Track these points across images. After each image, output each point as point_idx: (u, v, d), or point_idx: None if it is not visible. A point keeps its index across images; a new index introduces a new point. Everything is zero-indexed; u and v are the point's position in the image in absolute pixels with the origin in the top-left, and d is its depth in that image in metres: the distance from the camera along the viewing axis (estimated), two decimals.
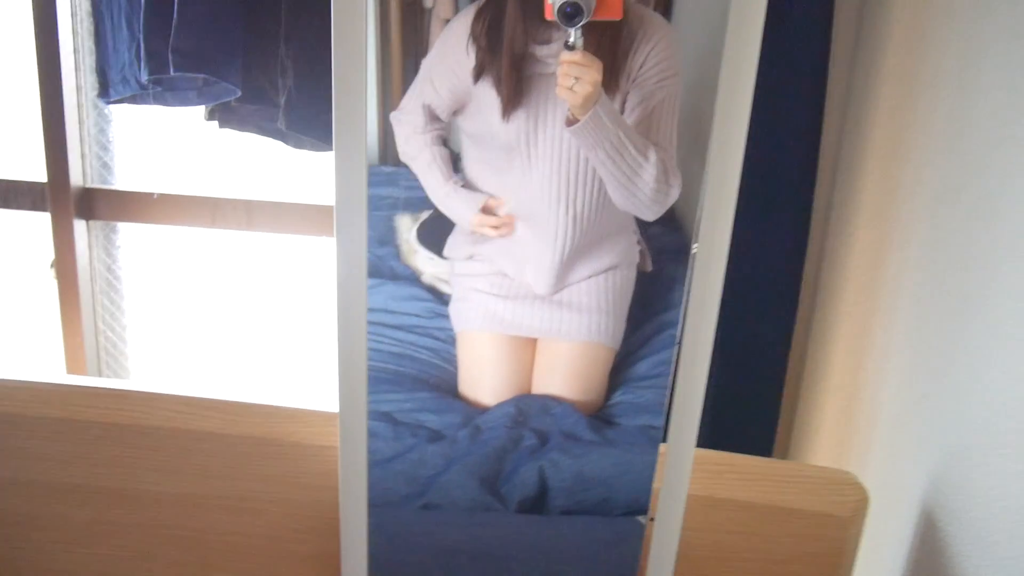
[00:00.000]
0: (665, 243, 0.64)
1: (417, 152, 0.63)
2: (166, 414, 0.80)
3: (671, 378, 0.66)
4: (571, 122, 0.58)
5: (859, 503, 0.79)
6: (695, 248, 0.61)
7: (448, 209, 0.65)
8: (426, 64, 0.60)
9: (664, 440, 0.68)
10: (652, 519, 0.71)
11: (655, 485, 0.70)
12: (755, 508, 0.78)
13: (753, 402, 1.24)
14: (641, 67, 0.57)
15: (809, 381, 1.28)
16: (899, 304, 0.94)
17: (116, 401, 0.81)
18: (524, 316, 0.68)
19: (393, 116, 0.62)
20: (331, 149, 1.20)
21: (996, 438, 0.68)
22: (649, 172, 0.60)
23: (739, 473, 0.80)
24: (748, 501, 0.79)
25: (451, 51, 0.59)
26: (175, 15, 1.04)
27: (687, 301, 0.63)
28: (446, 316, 0.69)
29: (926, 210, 0.89)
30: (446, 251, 0.67)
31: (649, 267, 0.65)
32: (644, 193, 0.60)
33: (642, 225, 0.64)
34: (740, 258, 1.17)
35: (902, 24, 1.02)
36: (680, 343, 0.64)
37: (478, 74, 0.59)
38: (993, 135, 0.74)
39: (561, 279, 0.66)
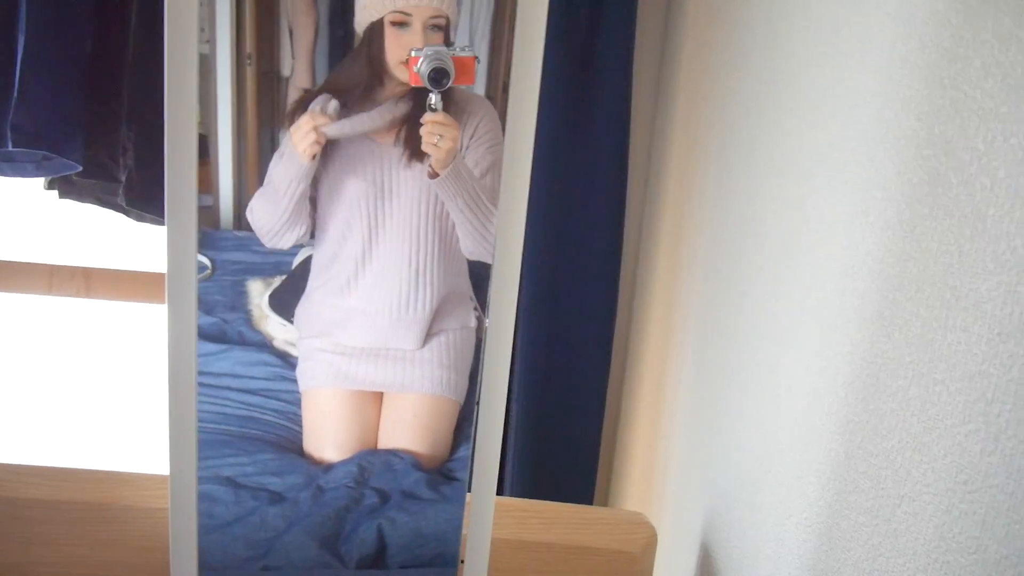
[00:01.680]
0: None
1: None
2: None
3: (472, 433, 0.73)
4: (433, 175, 0.67)
5: (648, 539, 0.90)
6: (487, 320, 0.70)
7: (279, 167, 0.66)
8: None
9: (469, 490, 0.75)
10: (462, 561, 0.78)
11: (464, 532, 0.77)
12: (557, 548, 0.88)
13: (574, 457, 1.36)
14: (473, 136, 0.66)
15: (622, 439, 1.42)
16: (683, 367, 1.09)
17: None
18: (369, 372, 0.72)
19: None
20: None
21: (748, 479, 0.81)
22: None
23: (543, 518, 0.89)
24: (551, 542, 0.88)
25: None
26: (15, 92, 1.06)
27: (482, 368, 0.72)
28: (293, 380, 0.71)
29: (698, 289, 1.04)
30: (296, 322, 0.70)
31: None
32: (494, 237, 0.68)
33: (479, 297, 0.71)
34: (558, 332, 1.30)
35: (683, 114, 1.20)
36: (479, 403, 0.73)
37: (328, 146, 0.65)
38: (745, 208, 0.90)
39: (426, 331, 0.71)
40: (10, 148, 1.08)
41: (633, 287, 1.39)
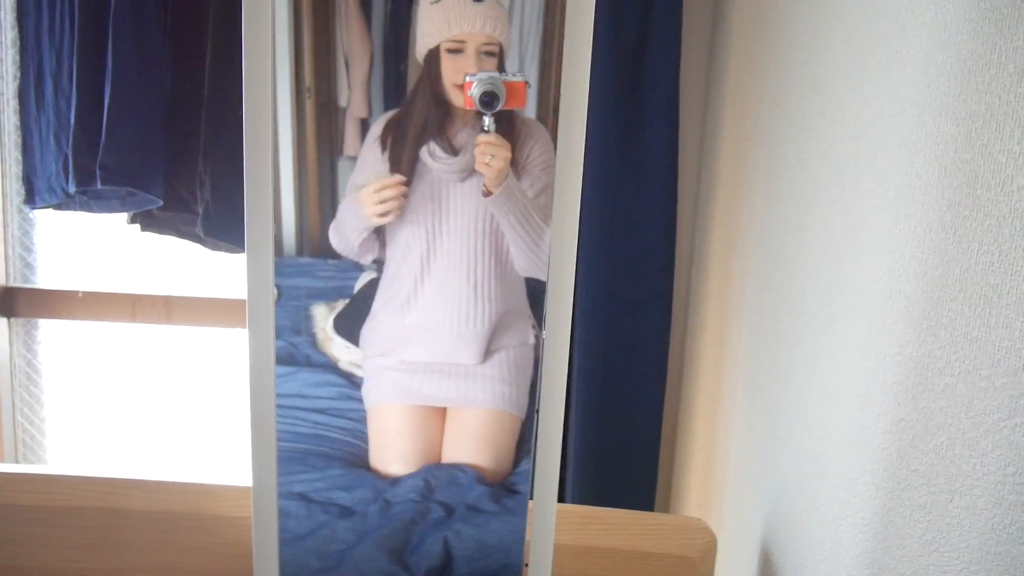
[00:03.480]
0: None
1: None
2: (90, 495, 0.87)
3: (533, 444, 0.76)
4: (487, 194, 0.70)
5: (708, 545, 0.91)
6: (544, 333, 0.74)
7: (346, 219, 0.70)
8: (352, 175, 0.69)
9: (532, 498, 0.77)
10: (527, 565, 0.81)
11: (527, 537, 0.79)
12: (618, 554, 0.90)
13: (635, 467, 1.37)
14: (527, 158, 0.70)
15: (680, 445, 1.42)
16: (738, 374, 1.10)
17: (43, 485, 0.87)
18: (433, 387, 0.75)
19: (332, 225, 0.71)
20: (243, 252, 1.31)
21: (803, 481, 0.82)
22: (550, 236, 0.71)
23: (603, 524, 0.91)
24: (611, 548, 0.90)
25: (367, 154, 0.69)
26: (103, 135, 1.15)
27: (540, 379, 0.74)
28: (358, 399, 0.74)
29: (750, 297, 1.05)
30: (361, 343, 0.73)
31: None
32: (546, 254, 0.71)
33: (536, 314, 0.74)
34: (614, 342, 1.32)
35: (731, 126, 1.22)
36: (538, 412, 0.76)
37: (390, 168, 0.69)
38: (795, 217, 0.91)
39: (485, 347, 0.74)
40: (99, 186, 1.16)
41: (687, 296, 1.41)
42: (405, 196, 0.70)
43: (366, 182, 0.70)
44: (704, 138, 1.36)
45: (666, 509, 1.46)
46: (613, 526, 0.91)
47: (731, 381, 1.13)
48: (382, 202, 0.70)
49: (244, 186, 0.67)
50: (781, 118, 0.96)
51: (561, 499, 1.31)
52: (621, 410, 1.34)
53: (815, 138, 0.84)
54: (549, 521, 0.79)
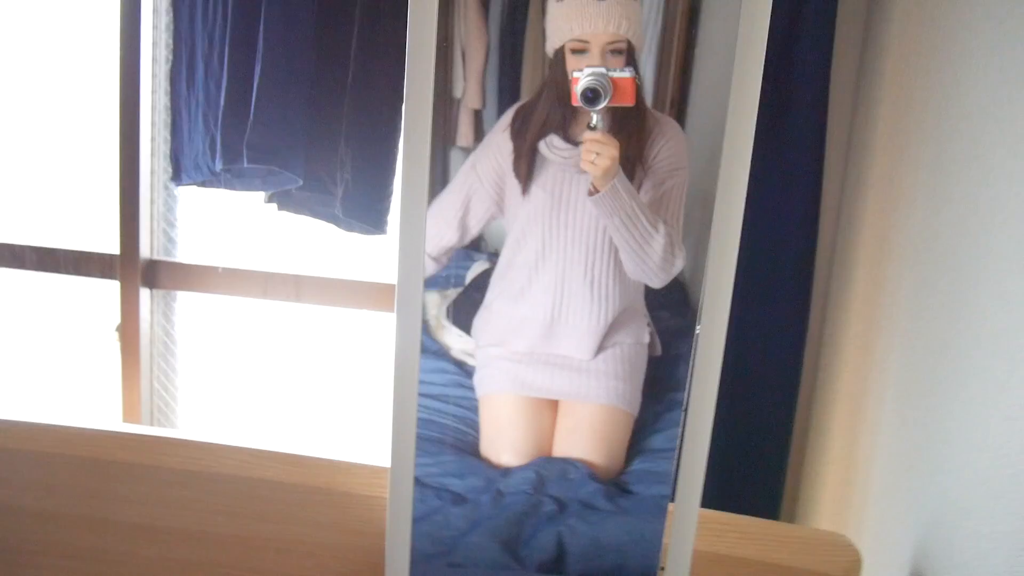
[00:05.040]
0: (672, 328, 0.72)
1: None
2: (235, 463, 0.90)
3: (678, 442, 0.73)
4: (592, 192, 0.68)
5: (852, 563, 0.86)
6: (698, 329, 0.71)
7: None
8: (472, 156, 0.70)
9: (672, 500, 0.75)
10: (662, 568, 0.78)
11: (665, 540, 0.76)
12: (754, 565, 0.86)
13: (761, 472, 1.32)
14: (655, 158, 0.67)
15: (812, 453, 1.35)
16: (887, 383, 1.03)
17: (187, 450, 0.91)
18: (546, 380, 0.74)
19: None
20: (378, 233, 1.33)
21: (971, 505, 0.76)
22: (658, 242, 0.69)
23: (741, 532, 0.87)
24: (748, 558, 0.86)
25: (494, 139, 0.69)
26: (251, 114, 1.18)
27: (692, 374, 0.72)
28: (470, 387, 0.74)
29: (906, 302, 0.99)
30: (473, 332, 0.73)
31: (659, 351, 0.73)
32: (653, 261, 0.69)
33: (651, 310, 0.72)
34: (746, 341, 1.27)
35: (887, 122, 1.15)
36: (686, 410, 0.73)
37: (514, 157, 0.69)
38: (966, 217, 0.85)
39: (599, 343, 0.72)
40: (245, 165, 1.20)
41: (826, 298, 1.34)
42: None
43: (486, 168, 0.69)
44: (852, 134, 1.29)
45: (791, 519, 1.39)
46: (750, 535, 0.87)
47: (878, 390, 1.06)
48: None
49: (401, 177, 0.68)
50: (954, 110, 0.89)
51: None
52: (751, 412, 1.28)
53: (998, 133, 0.77)
54: (690, 525, 0.76)
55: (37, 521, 0.92)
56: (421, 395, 0.72)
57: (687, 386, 0.72)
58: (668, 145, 0.67)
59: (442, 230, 0.71)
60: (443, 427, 0.74)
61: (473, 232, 0.72)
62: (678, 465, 0.74)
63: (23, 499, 0.92)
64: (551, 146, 0.68)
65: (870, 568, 1.01)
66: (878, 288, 1.11)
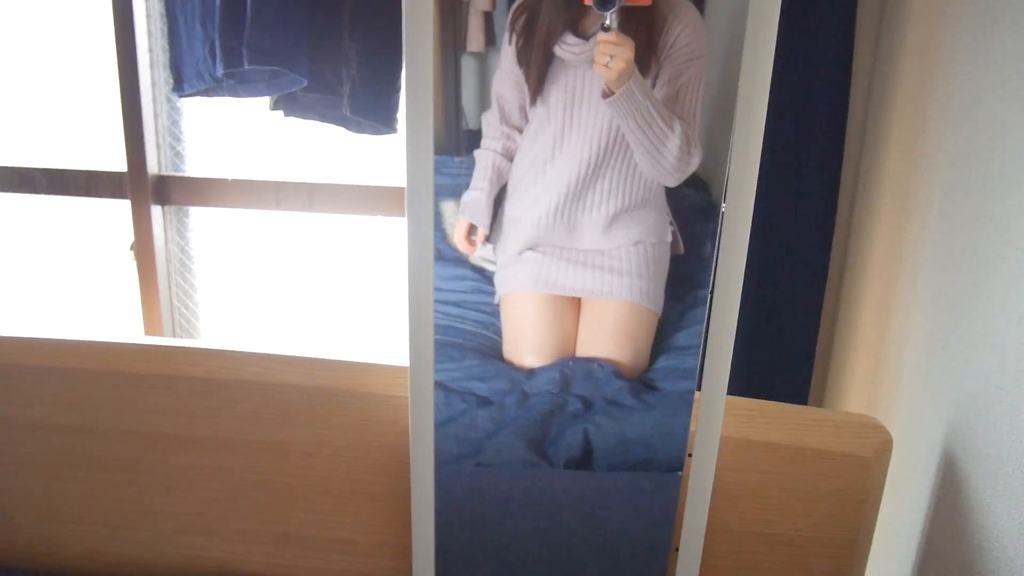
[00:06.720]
0: (695, 228, 0.70)
1: (487, 145, 0.69)
2: (257, 369, 0.89)
3: (704, 327, 0.71)
4: (607, 94, 0.65)
5: (883, 445, 0.85)
6: (724, 207, 0.67)
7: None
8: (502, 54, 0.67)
9: (698, 389, 0.74)
10: (690, 455, 0.78)
11: (692, 427, 0.76)
12: (782, 449, 0.85)
13: (789, 357, 1.30)
14: (671, 47, 0.64)
15: (840, 337, 1.33)
16: (920, 265, 1.00)
17: (208, 359, 0.90)
18: (568, 277, 0.72)
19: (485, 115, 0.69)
20: (388, 133, 1.29)
21: (1006, 380, 0.74)
22: (673, 142, 0.66)
23: (770, 417, 0.86)
24: (777, 442, 0.85)
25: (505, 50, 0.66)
26: (248, 14, 1.13)
27: (717, 256, 0.69)
28: (490, 292, 0.73)
29: (943, 183, 0.94)
30: (491, 235, 0.72)
31: (681, 249, 0.71)
32: (668, 161, 0.67)
33: (674, 208, 0.69)
34: (773, 226, 1.24)
35: (919, 21, 1.07)
36: (712, 293, 0.71)
37: (520, 61, 0.66)
38: (997, 127, 0.80)
39: (606, 236, 0.71)
40: (246, 67, 1.16)
41: (856, 176, 1.29)
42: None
43: (503, 69, 0.67)
44: (869, 107, 1.22)
45: (820, 405, 1.39)
46: (778, 420, 0.86)
47: (911, 270, 1.03)
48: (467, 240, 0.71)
49: (404, 83, 0.65)
50: (984, 92, 0.82)
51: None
52: (777, 299, 1.26)
53: None
54: (717, 411, 0.75)
55: (66, 435, 0.93)
56: (441, 302, 0.72)
57: (713, 269, 0.70)
58: (685, 32, 0.63)
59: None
60: (464, 332, 0.74)
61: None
62: (704, 352, 0.72)
63: (51, 414, 0.93)
64: (563, 43, 0.65)
65: (901, 449, 1.00)
66: (911, 168, 1.06)
